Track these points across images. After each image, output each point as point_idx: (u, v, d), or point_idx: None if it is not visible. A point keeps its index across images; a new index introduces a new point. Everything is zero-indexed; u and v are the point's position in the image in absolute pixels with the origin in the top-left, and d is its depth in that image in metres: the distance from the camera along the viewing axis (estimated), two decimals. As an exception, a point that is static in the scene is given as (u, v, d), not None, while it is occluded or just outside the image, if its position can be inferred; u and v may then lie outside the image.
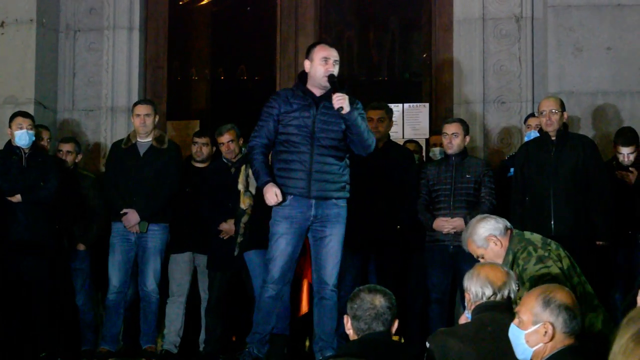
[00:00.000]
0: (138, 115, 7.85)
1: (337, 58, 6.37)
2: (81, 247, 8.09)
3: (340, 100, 6.18)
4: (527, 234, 5.39)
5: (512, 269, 5.10)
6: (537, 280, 4.98)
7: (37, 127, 8.11)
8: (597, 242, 7.19)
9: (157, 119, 7.97)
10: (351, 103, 6.25)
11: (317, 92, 6.39)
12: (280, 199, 6.23)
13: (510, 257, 5.23)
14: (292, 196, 6.32)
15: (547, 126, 7.27)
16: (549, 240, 5.37)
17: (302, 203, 6.32)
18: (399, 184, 7.50)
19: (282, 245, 6.35)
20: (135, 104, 8.03)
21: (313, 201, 6.31)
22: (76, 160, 8.26)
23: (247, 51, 10.70)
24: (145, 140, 7.89)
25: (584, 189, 7.16)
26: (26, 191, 7.52)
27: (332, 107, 6.24)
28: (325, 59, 6.31)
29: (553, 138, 7.28)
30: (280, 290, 6.44)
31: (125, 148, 7.91)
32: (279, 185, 6.27)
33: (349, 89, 6.37)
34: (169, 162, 7.92)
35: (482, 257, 5.34)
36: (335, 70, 6.32)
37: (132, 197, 7.77)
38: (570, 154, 7.23)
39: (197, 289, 8.29)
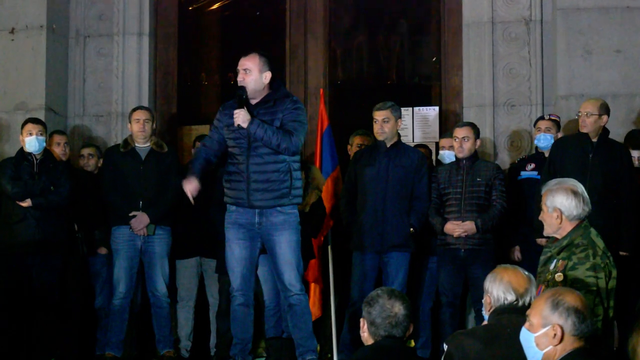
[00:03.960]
0: (137, 120, 7.86)
1: (247, 66, 6.39)
2: (103, 250, 8.09)
3: (236, 118, 6.33)
4: (594, 234, 5.19)
5: (558, 253, 5.06)
6: (579, 285, 4.88)
7: (56, 133, 8.18)
8: (620, 253, 7.09)
9: (154, 125, 8.01)
10: (281, 104, 6.39)
11: (253, 100, 6.45)
12: (190, 194, 6.46)
13: (565, 243, 5.10)
14: (235, 207, 6.49)
15: (581, 128, 7.23)
16: (610, 253, 5.19)
17: (246, 211, 6.45)
18: (409, 185, 7.51)
19: (236, 252, 6.48)
20: (134, 110, 8.02)
21: (256, 210, 6.41)
22: (99, 165, 8.29)
23: (257, 56, 10.69)
24: (144, 145, 7.91)
25: (615, 197, 7.09)
26: (36, 196, 7.55)
27: (266, 114, 6.39)
28: (238, 71, 6.44)
29: (594, 140, 7.24)
30: (249, 297, 6.53)
31: (124, 152, 7.90)
32: (226, 196, 6.51)
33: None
34: (171, 165, 7.96)
35: (541, 210, 5.24)
36: (248, 79, 6.37)
37: (138, 200, 7.78)
38: (607, 160, 7.16)
39: (204, 294, 8.31)
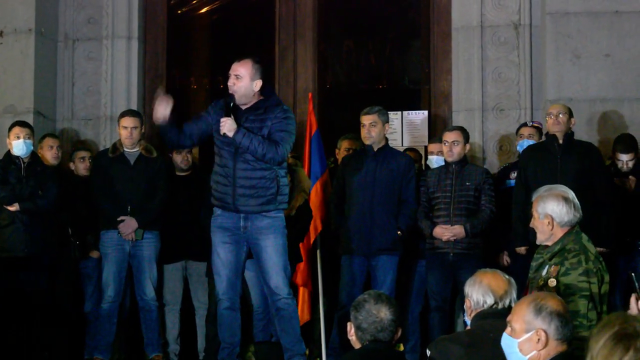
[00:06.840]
0: (125, 127, 7.82)
1: (238, 72, 6.35)
2: (95, 254, 8.06)
3: (222, 127, 6.29)
4: (585, 239, 5.19)
5: (550, 259, 5.07)
6: (572, 290, 4.91)
7: (48, 136, 8.16)
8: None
9: (143, 130, 7.99)
10: (270, 112, 6.35)
11: (243, 106, 6.44)
12: (161, 113, 6.28)
13: (557, 249, 5.10)
14: (221, 210, 6.47)
15: (554, 127, 7.26)
16: (602, 258, 5.21)
17: (231, 215, 6.44)
18: (397, 189, 7.51)
19: (222, 256, 6.48)
20: (123, 116, 7.94)
21: (241, 214, 6.40)
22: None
23: (246, 60, 10.68)
24: (133, 150, 7.89)
25: (590, 195, 7.11)
26: (24, 200, 7.52)
27: (255, 121, 6.37)
28: (229, 75, 6.39)
29: (560, 141, 7.27)
30: (235, 300, 6.53)
31: (112, 157, 7.88)
32: (213, 198, 6.48)
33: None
34: (160, 170, 7.94)
35: (532, 217, 5.25)
36: (238, 85, 6.34)
37: (127, 205, 7.76)
38: (576, 159, 7.21)
39: (189, 298, 8.29)
